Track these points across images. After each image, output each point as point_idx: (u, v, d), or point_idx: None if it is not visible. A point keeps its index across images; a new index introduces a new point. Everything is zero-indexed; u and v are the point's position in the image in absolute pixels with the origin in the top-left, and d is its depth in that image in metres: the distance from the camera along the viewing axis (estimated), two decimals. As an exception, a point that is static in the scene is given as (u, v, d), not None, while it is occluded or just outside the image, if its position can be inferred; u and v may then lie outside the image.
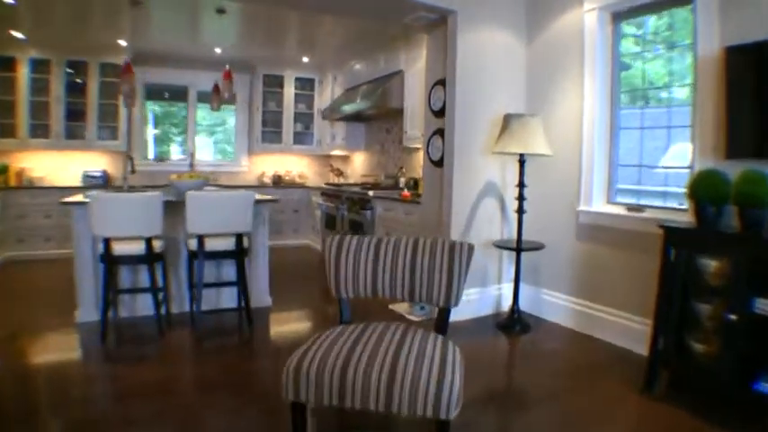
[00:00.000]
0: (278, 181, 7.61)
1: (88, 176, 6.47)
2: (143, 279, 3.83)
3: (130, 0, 4.44)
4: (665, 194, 3.20)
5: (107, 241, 3.34)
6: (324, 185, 6.91)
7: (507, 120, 3.57)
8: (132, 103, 4.85)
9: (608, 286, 3.42)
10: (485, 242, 3.96)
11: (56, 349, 3.24)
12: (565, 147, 3.72)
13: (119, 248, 3.39)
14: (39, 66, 6.06)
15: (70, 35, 5.71)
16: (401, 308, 4.15)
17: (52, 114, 6.15)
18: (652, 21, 3.34)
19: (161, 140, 7.64)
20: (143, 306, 3.79)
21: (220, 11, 4.84)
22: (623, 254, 3.29)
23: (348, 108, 5.97)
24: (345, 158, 7.72)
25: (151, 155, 7.38)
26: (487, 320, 3.90)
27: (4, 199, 5.74)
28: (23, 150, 6.17)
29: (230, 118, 7.78)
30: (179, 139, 7.70)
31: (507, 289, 4.07)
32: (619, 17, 3.40)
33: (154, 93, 7.28)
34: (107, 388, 2.71)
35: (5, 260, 5.70)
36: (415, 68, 5.14)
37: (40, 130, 6.15)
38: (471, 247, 2.15)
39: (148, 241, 3.39)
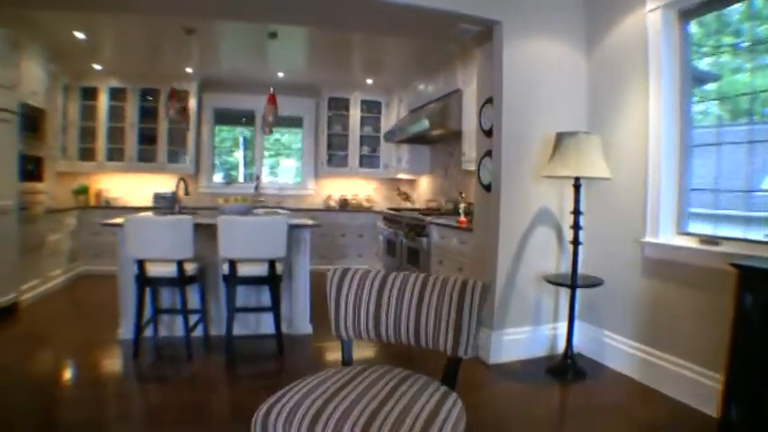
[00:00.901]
0: (344, 205, 7.53)
1: (158, 197, 6.80)
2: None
3: (185, 28, 4.61)
4: (748, 220, 2.66)
5: (141, 263, 3.38)
6: (386, 210, 6.74)
7: (559, 139, 3.20)
8: (188, 126, 4.99)
9: (676, 332, 2.90)
10: (537, 275, 3.56)
11: (89, 364, 3.30)
12: (629, 169, 3.26)
13: (154, 270, 3.41)
14: (116, 94, 6.51)
15: (143, 65, 6.08)
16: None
17: (127, 139, 6.56)
18: (746, 25, 2.83)
19: (251, 164, 7.86)
20: (183, 326, 3.78)
21: (273, 35, 4.89)
22: (695, 294, 2.78)
23: (409, 130, 5.80)
24: (412, 182, 7.53)
25: (241, 177, 7.68)
26: (539, 363, 3.47)
27: (81, 217, 6.15)
28: (101, 173, 6.62)
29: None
30: (269, 161, 7.89)
31: (565, 328, 3.62)
32: (687, 15, 2.94)
33: (226, 117, 7.53)
34: (117, 408, 2.67)
35: (79, 274, 6.08)
36: (472, 87, 4.86)
37: (115, 153, 6.57)
38: (485, 288, 1.84)
39: (179, 264, 3.38)
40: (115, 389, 2.96)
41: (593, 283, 3.25)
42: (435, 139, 6.08)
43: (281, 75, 6.72)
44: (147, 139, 6.69)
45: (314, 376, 1.77)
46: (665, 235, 3.02)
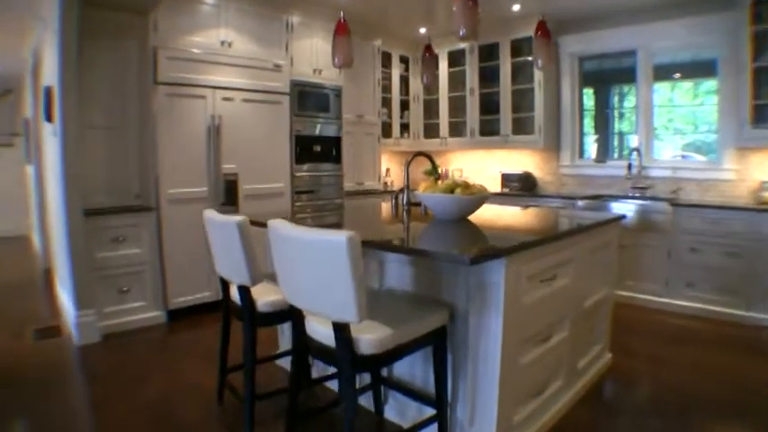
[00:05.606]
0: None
1: (507, 178, 5.46)
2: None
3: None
4: None
5: (224, 281, 2.40)
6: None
7: None
8: (427, 85, 3.46)
9: None
10: None
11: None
12: None
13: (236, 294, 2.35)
14: (455, 57, 5.52)
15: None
16: None
17: (467, 109, 5.50)
18: None
19: (630, 131, 5.40)
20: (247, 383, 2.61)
21: None
22: None
23: None
24: None
25: (618, 152, 5.40)
26: None
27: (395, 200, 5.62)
28: (445, 151, 5.85)
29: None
30: (662, 131, 5.11)
31: None
32: None
33: (590, 69, 5.20)
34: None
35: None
36: None
37: (457, 127, 5.64)
38: None
39: (241, 290, 2.17)
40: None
41: None
42: None
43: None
44: (488, 107, 5.40)
45: None
46: None
